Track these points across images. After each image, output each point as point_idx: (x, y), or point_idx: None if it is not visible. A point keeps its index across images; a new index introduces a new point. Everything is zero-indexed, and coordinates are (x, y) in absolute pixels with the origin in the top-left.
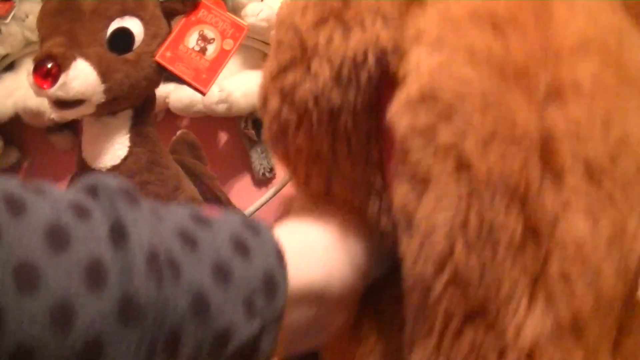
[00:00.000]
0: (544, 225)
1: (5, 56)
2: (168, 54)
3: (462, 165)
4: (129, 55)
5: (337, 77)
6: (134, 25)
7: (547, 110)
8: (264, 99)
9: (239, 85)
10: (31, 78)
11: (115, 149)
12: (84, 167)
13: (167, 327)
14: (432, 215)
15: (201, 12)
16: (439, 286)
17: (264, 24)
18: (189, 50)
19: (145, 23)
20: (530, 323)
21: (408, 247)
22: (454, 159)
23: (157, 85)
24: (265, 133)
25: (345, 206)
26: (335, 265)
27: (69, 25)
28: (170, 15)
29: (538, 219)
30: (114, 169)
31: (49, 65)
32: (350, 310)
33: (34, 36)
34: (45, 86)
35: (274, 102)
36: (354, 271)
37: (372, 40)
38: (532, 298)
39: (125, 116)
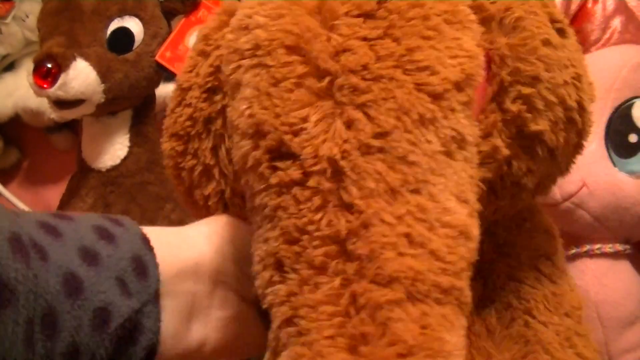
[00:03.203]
0: (325, 58)
1: (5, 56)
2: (168, 54)
3: None
4: (129, 55)
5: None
6: (134, 25)
7: None
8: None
9: None
10: (31, 78)
11: (115, 149)
12: (83, 167)
13: (41, 307)
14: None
15: (201, 12)
16: (248, 146)
17: None
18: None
19: (145, 23)
20: (327, 145)
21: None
22: None
23: (156, 85)
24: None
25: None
26: (206, 243)
27: (68, 25)
28: (170, 15)
29: (321, 58)
30: (114, 169)
31: (49, 65)
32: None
33: (34, 36)
34: (45, 86)
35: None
36: (229, 253)
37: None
38: (327, 122)
39: (125, 116)
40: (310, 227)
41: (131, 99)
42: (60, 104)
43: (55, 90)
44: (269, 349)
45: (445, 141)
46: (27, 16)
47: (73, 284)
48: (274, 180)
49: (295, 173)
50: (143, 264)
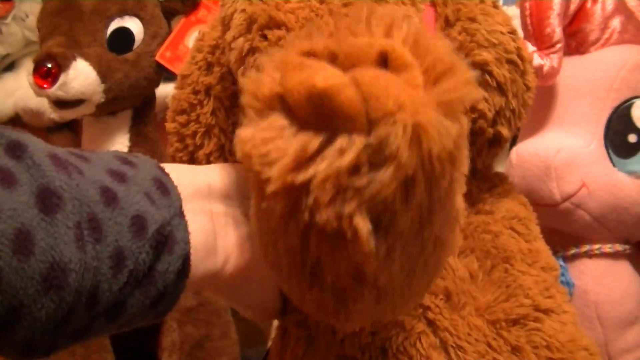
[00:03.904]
0: None
1: (5, 56)
2: (168, 54)
3: None
4: (129, 55)
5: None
6: (134, 25)
7: None
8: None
9: None
10: (31, 78)
11: (115, 149)
12: None
13: (86, 213)
14: None
15: (201, 12)
16: (243, 38)
17: None
18: (189, 50)
19: (145, 23)
20: (305, 12)
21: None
22: None
23: (156, 85)
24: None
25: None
26: (213, 174)
27: (69, 25)
28: (170, 15)
29: None
30: None
31: (49, 65)
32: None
33: (34, 36)
34: (45, 86)
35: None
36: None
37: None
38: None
39: (125, 116)
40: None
41: (131, 99)
42: (60, 104)
43: (55, 90)
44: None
45: None
46: (27, 16)
47: (109, 195)
48: (263, 44)
49: (282, 32)
50: (163, 184)
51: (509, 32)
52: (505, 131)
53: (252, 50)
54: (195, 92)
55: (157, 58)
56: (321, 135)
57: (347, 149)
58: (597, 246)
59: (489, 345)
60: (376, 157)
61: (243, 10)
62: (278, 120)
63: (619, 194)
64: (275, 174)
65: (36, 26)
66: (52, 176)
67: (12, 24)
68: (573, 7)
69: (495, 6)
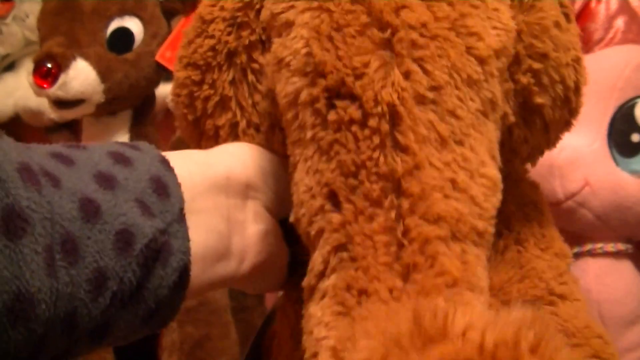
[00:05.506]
0: (387, 12)
1: (5, 56)
2: (168, 54)
3: None
4: (129, 55)
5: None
6: (134, 25)
7: None
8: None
9: None
10: (31, 78)
11: None
12: None
13: (59, 234)
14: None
15: None
16: (303, 83)
17: None
18: None
19: (145, 23)
20: (387, 91)
21: (279, 84)
22: None
23: (156, 85)
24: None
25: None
26: (233, 160)
27: (68, 25)
28: (170, 15)
29: (385, 11)
30: None
31: (49, 65)
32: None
33: (34, 36)
34: (45, 86)
35: (181, 73)
36: (259, 167)
37: None
38: (386, 70)
39: (125, 116)
40: (369, 163)
41: (131, 99)
42: (60, 104)
43: (55, 90)
44: (311, 272)
45: (484, 102)
46: (27, 16)
47: (90, 208)
48: (332, 117)
49: (355, 113)
50: (163, 184)
51: (573, 60)
52: (534, 163)
53: (315, 111)
54: (215, 51)
55: (157, 58)
56: None
57: None
58: (599, 245)
59: None
60: None
61: (308, 45)
62: None
63: (622, 193)
64: None
65: (36, 26)
66: (18, 195)
67: (12, 24)
68: (577, 6)
69: (568, 18)
